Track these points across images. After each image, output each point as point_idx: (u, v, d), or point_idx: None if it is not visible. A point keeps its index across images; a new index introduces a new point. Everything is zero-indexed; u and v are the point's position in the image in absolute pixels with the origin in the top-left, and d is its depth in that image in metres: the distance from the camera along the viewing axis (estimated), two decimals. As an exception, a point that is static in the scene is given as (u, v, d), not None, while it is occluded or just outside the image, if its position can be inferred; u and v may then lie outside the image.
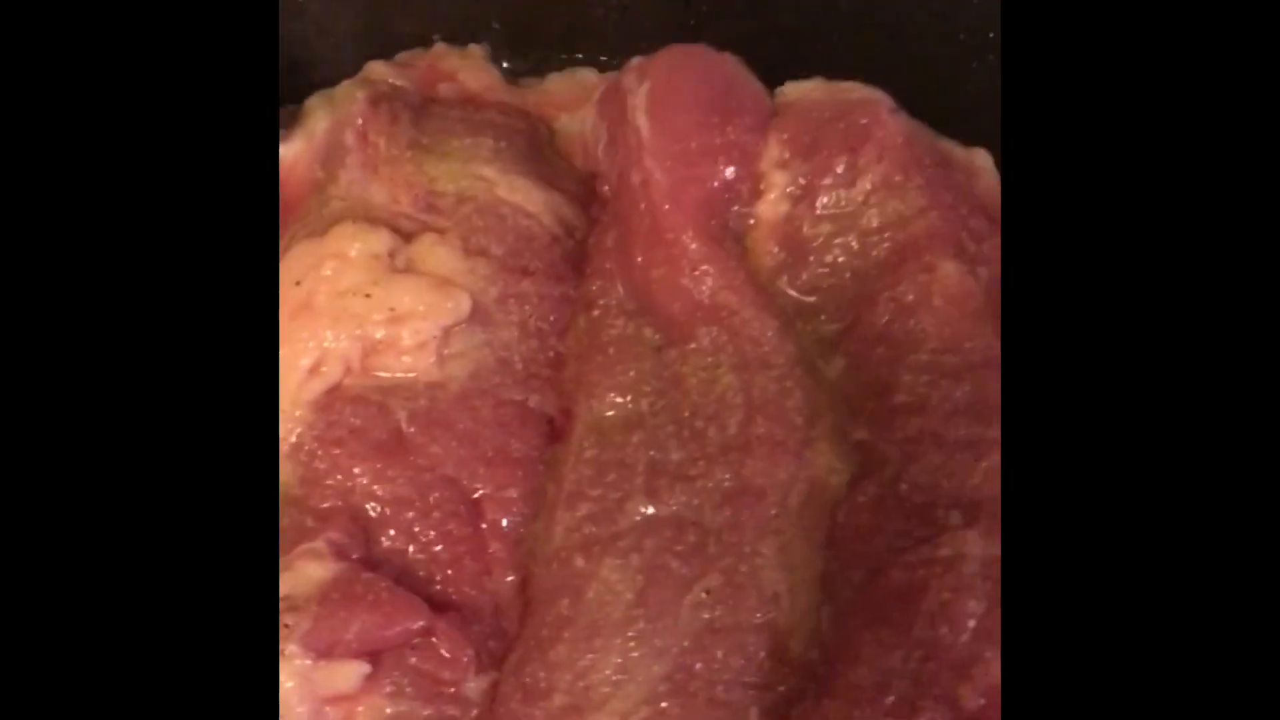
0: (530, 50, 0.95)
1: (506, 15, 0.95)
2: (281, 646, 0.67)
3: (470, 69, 0.93)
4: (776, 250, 0.79)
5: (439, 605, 0.71)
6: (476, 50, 0.94)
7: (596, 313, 0.81)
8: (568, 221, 0.85)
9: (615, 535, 0.73)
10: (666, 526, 0.72)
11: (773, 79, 0.85)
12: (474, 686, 0.71)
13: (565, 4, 0.94)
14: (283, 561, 0.71)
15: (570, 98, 0.93)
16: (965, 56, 0.83)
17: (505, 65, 0.94)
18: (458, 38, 0.94)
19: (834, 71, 0.85)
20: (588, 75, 0.95)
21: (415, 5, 0.94)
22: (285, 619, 0.68)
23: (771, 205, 0.79)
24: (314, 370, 0.76)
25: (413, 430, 0.76)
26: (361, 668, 0.68)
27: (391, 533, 0.74)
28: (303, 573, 0.70)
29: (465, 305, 0.77)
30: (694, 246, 0.77)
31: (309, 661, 0.67)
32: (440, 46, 0.93)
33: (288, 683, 0.67)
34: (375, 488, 0.74)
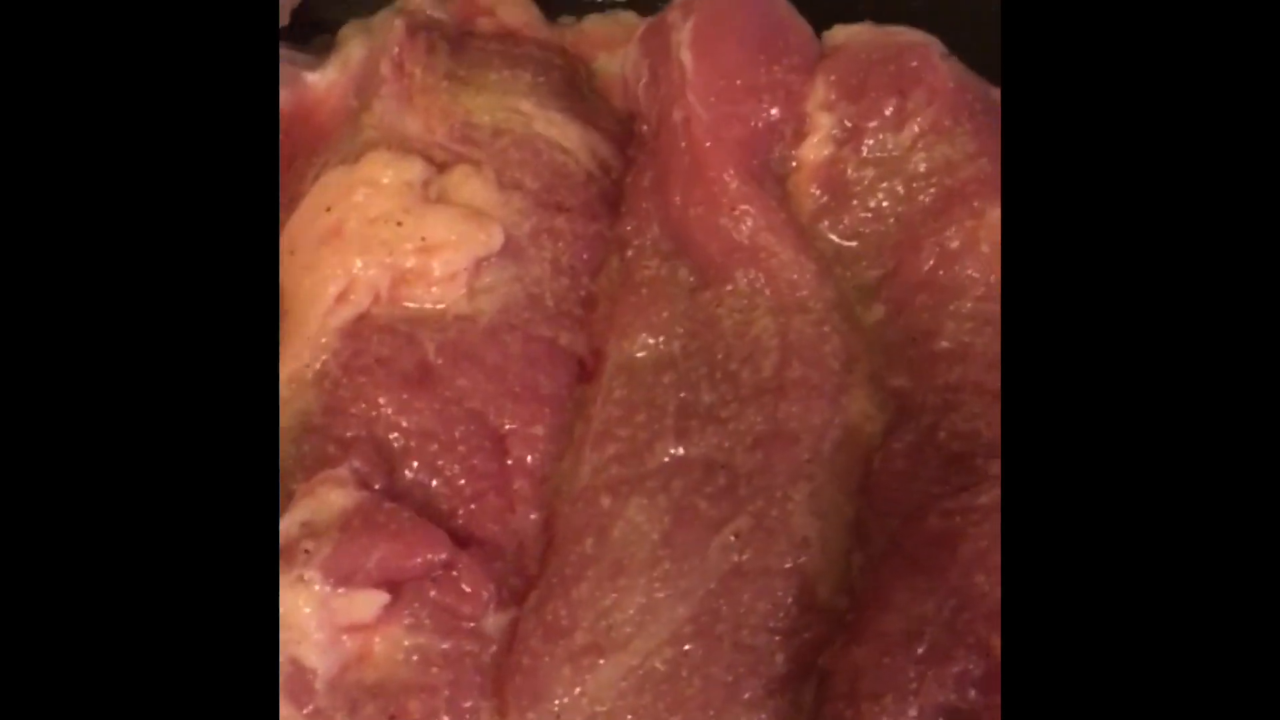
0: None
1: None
2: (300, 572, 0.66)
3: (508, 4, 0.91)
4: (818, 193, 0.77)
5: (461, 540, 0.70)
6: (516, -15, 0.92)
7: (631, 253, 0.80)
8: (604, 160, 0.83)
9: (643, 475, 0.72)
10: (696, 468, 0.71)
11: (819, 24, 0.84)
12: (493, 623, 0.70)
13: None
14: (304, 487, 0.70)
15: (609, 37, 0.91)
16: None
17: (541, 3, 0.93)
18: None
19: (883, 17, 0.84)
20: (627, 16, 0.93)
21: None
22: (305, 544, 0.67)
23: (815, 147, 0.77)
24: (342, 297, 0.75)
25: (440, 362, 0.74)
26: (380, 597, 0.67)
27: (415, 465, 0.73)
28: (324, 499, 0.69)
29: (498, 238, 0.76)
30: (734, 185, 0.76)
31: (328, 588, 0.66)
32: (480, -22, 0.92)
33: (305, 608, 0.66)
34: (400, 419, 0.73)
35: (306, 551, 0.67)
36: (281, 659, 0.66)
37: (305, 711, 0.66)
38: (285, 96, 0.84)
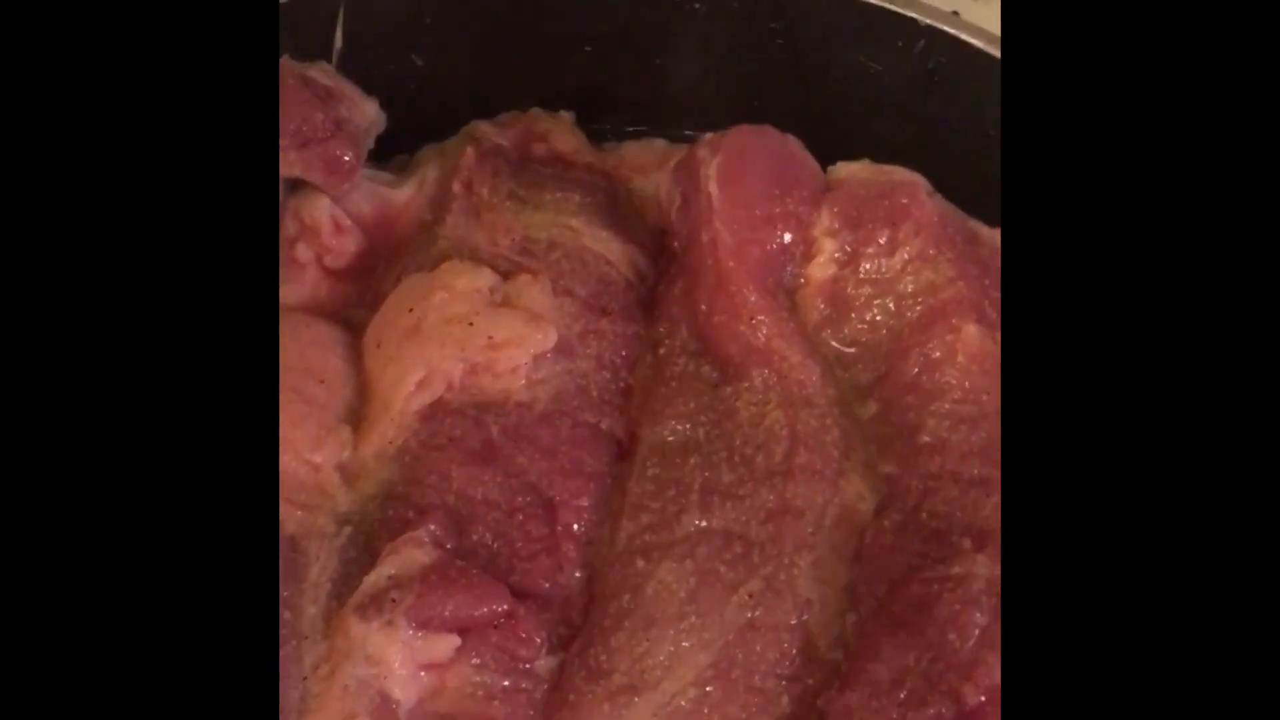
0: (610, 121, 1.08)
1: (588, 88, 1.08)
2: (388, 617, 0.78)
3: (560, 132, 1.05)
4: (822, 306, 0.91)
5: (518, 594, 0.82)
6: (565, 116, 1.06)
7: (662, 351, 0.93)
8: (641, 270, 0.97)
9: (672, 543, 0.84)
10: (717, 537, 0.83)
11: (822, 155, 0.98)
12: (544, 665, 0.81)
13: (642, 83, 1.07)
14: (390, 546, 0.82)
15: (644, 162, 1.05)
16: (993, 147, 0.95)
17: (589, 133, 1.07)
18: (548, 106, 1.08)
19: (877, 152, 0.98)
20: (659, 143, 1.08)
21: (512, 75, 1.08)
22: (393, 594, 0.79)
23: (821, 267, 0.91)
24: (421, 385, 0.87)
25: (503, 442, 0.87)
26: (453, 640, 0.78)
27: (480, 528, 0.84)
28: (408, 557, 0.81)
29: (552, 338, 0.89)
30: (752, 299, 0.89)
31: (410, 632, 0.78)
32: (535, 111, 1.06)
33: (391, 648, 0.77)
34: (469, 489, 0.85)
35: (394, 600, 0.78)
36: (370, 691, 0.78)
37: (390, 736, 0.77)
38: (369, 210, 0.99)
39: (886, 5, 0.97)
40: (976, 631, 0.74)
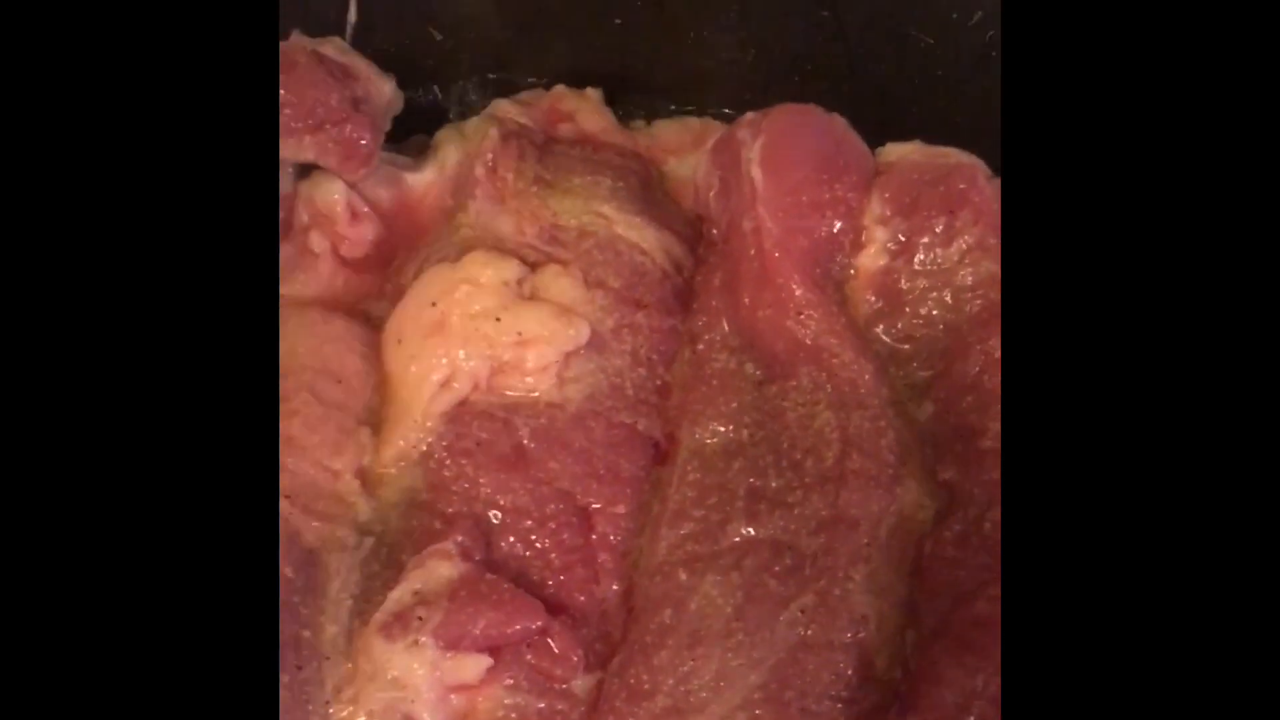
0: (640, 98, 1.02)
1: (616, 64, 1.02)
2: (415, 637, 0.73)
3: (587, 111, 0.99)
4: (874, 299, 0.85)
5: (551, 608, 0.77)
6: (593, 94, 1.00)
7: (701, 346, 0.88)
8: (677, 259, 0.91)
9: (716, 554, 0.79)
10: (765, 548, 0.78)
11: (871, 136, 0.92)
12: (581, 684, 0.77)
13: (675, 57, 1.01)
14: (414, 560, 0.77)
15: (678, 142, 1.00)
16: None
17: (617, 111, 1.01)
18: (573, 83, 1.01)
19: (929, 132, 0.92)
20: (693, 122, 1.02)
21: (536, 49, 1.01)
22: (419, 611, 0.74)
23: (871, 258, 0.85)
24: (445, 385, 0.83)
25: (533, 446, 0.82)
26: (484, 661, 0.74)
27: (511, 539, 0.80)
28: (434, 571, 0.76)
29: (585, 333, 0.84)
30: (799, 292, 0.84)
31: (438, 652, 0.73)
32: (560, 88, 1.00)
33: (419, 670, 0.73)
34: (498, 496, 0.81)
35: (420, 619, 0.74)
36: (397, 716, 0.73)
37: (417, 764, 0.73)
38: (387, 196, 0.93)
39: (939, -26, 0.91)
40: (1050, 654, 0.69)
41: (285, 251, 0.88)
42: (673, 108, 1.03)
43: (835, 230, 0.85)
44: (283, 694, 0.72)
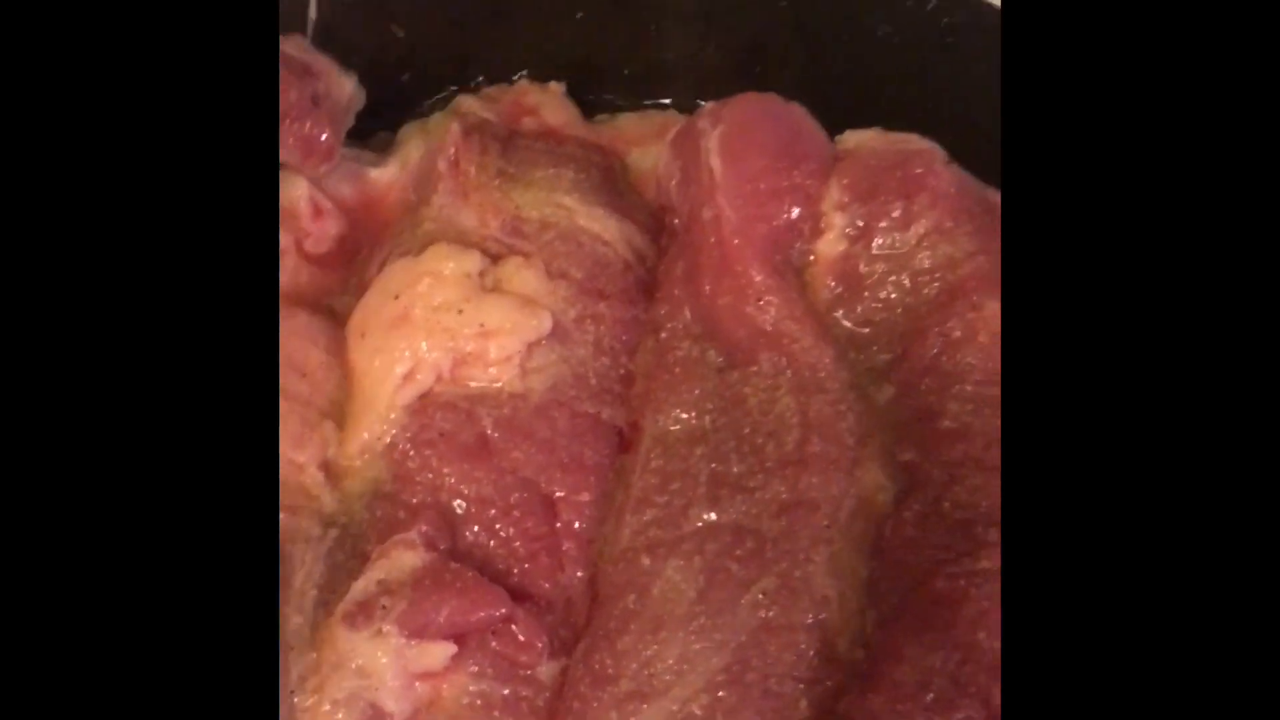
0: (604, 91, 1.03)
1: (580, 58, 1.02)
2: (379, 625, 0.74)
3: (550, 105, 1.00)
4: (833, 285, 0.86)
5: (517, 596, 0.78)
6: (556, 87, 1.01)
7: (664, 335, 0.88)
8: (639, 249, 0.92)
9: (679, 539, 0.79)
10: (726, 533, 0.79)
11: (830, 123, 0.93)
12: (546, 671, 0.77)
13: (636, 50, 1.02)
14: (379, 550, 0.78)
15: (640, 134, 1.00)
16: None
17: (581, 104, 1.02)
18: (537, 77, 1.02)
19: (888, 119, 0.93)
20: (656, 114, 1.03)
21: (499, 44, 1.02)
22: (382, 600, 0.75)
23: (830, 243, 0.86)
24: (409, 377, 0.83)
25: (496, 436, 0.82)
26: (448, 648, 0.74)
27: (475, 528, 0.81)
28: (398, 560, 0.77)
29: (547, 324, 0.84)
30: (759, 279, 0.84)
31: (403, 640, 0.74)
32: (523, 82, 1.01)
33: (383, 658, 0.73)
34: (462, 487, 0.81)
35: (384, 607, 0.74)
36: (361, 704, 0.73)
37: (384, 752, 0.73)
38: (350, 191, 0.93)
39: (895, -37, 0.92)
40: (1007, 630, 0.69)
41: (249, 248, 0.89)
42: (636, 100, 1.03)
43: (794, 217, 0.86)
44: (247, 685, 0.73)
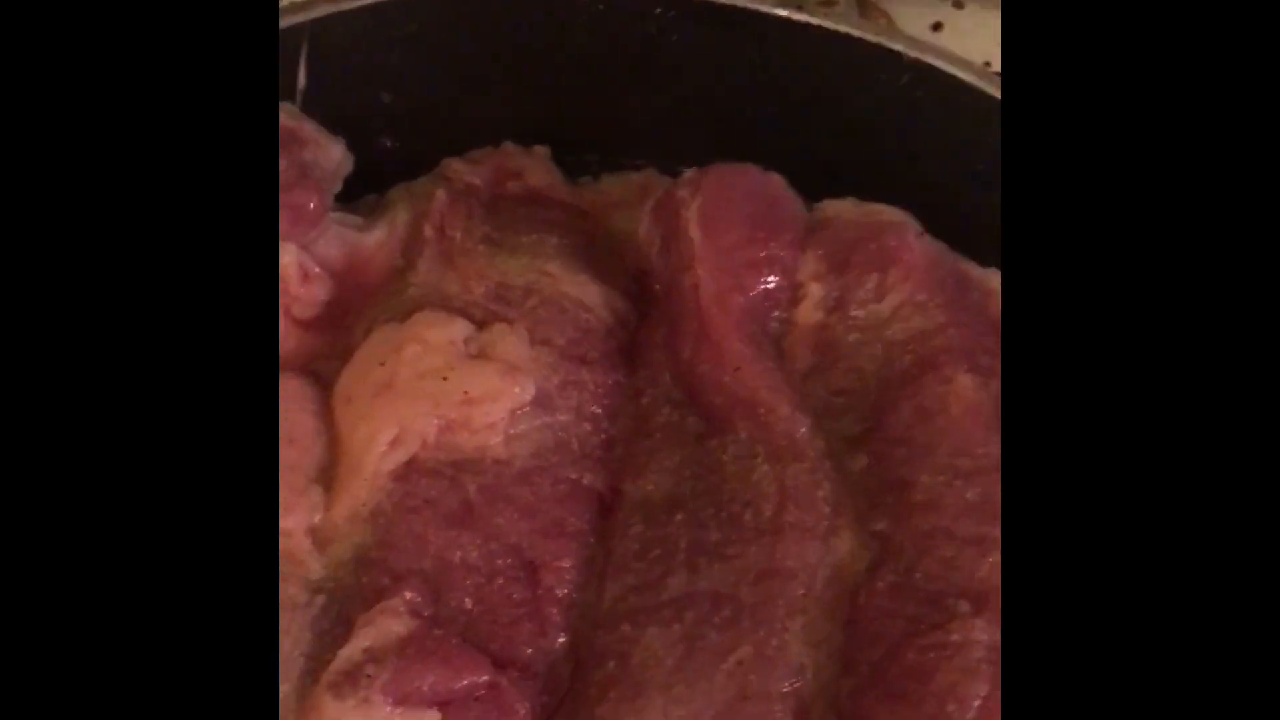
0: (588, 154, 1.05)
1: (564, 122, 1.05)
2: (364, 694, 0.75)
3: (534, 168, 1.02)
4: (809, 354, 0.88)
5: (500, 662, 0.79)
6: (540, 151, 1.03)
7: (645, 400, 0.90)
8: (621, 314, 0.94)
9: (659, 606, 0.81)
10: (705, 600, 0.80)
11: (806, 190, 0.95)
12: (528, 737, 0.79)
13: (615, 115, 1.04)
14: (365, 617, 0.79)
15: (623, 197, 1.03)
16: (981, 188, 0.92)
17: (565, 167, 1.04)
18: (522, 140, 1.04)
19: (863, 189, 0.95)
20: (636, 177, 1.05)
21: (484, 108, 1.04)
22: (368, 669, 0.76)
23: (807, 313, 0.88)
24: (394, 444, 0.84)
25: (480, 502, 0.84)
26: (433, 716, 0.76)
27: (459, 594, 0.81)
28: (383, 628, 0.78)
29: (530, 390, 0.86)
30: (736, 347, 0.86)
31: (388, 708, 0.75)
32: (508, 146, 1.03)
33: (368, 726, 0.75)
34: (446, 553, 0.82)
35: (369, 676, 0.76)
36: (346, 772, 0.75)
37: (368, 819, 0.75)
38: (338, 255, 0.95)
39: (869, 37, 0.94)
40: (976, 702, 0.71)
41: (237, 313, 0.90)
42: (619, 163, 1.05)
43: (771, 286, 0.88)
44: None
